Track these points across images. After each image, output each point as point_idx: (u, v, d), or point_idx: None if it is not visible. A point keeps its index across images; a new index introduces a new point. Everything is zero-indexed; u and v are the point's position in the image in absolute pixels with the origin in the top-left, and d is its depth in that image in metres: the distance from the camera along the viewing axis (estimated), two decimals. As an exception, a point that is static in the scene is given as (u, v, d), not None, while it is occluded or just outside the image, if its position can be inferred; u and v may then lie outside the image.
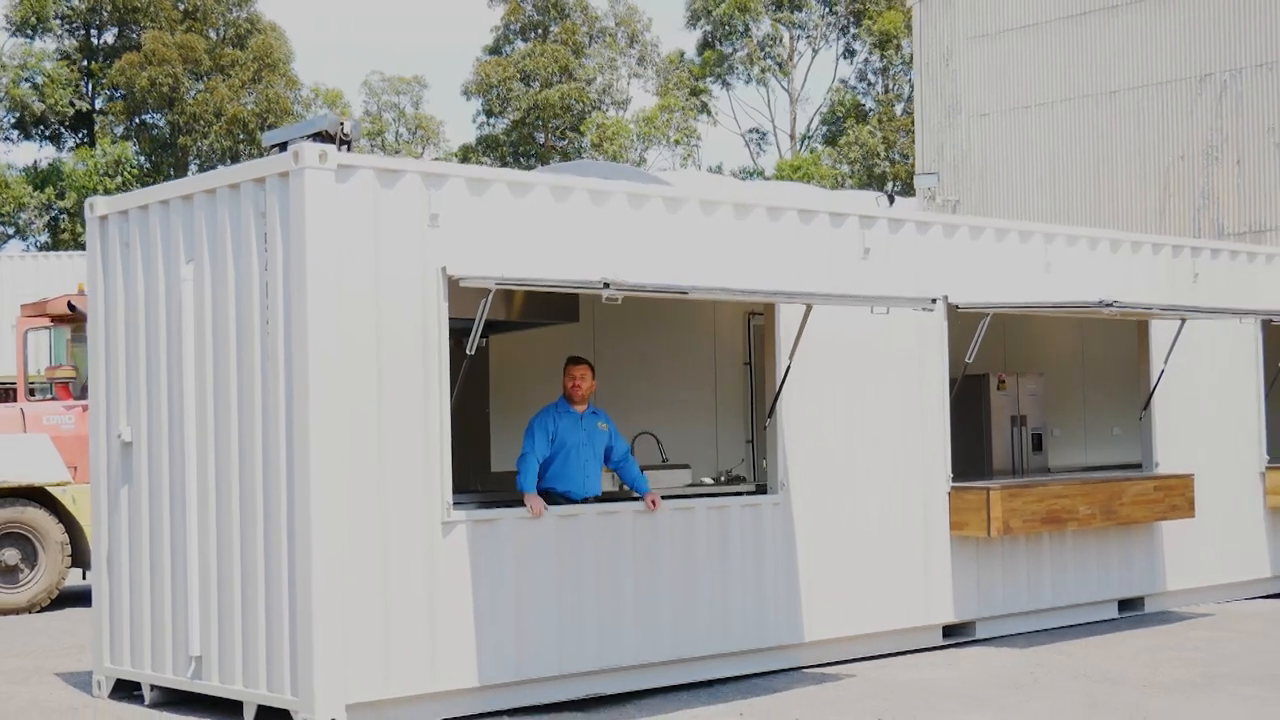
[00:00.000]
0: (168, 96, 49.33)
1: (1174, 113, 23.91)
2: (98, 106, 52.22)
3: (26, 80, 50.49)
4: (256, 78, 50.77)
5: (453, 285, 9.80)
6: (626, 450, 11.09)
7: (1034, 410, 15.64)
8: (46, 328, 17.68)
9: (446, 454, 9.77)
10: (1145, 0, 24.21)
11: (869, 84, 59.57)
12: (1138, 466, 14.56)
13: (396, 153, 59.84)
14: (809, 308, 11.19)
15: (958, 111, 26.43)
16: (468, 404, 11.16)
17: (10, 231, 50.32)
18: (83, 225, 48.32)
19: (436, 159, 58.61)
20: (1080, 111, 24.94)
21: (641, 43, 60.61)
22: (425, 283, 9.75)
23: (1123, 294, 13.61)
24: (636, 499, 10.91)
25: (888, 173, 54.48)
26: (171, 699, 10.43)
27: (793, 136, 61.54)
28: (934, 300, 11.72)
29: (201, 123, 49.73)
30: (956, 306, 12.70)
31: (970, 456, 14.46)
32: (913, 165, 28.57)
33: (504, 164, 57.40)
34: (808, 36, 60.33)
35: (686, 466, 12.61)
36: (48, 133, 52.02)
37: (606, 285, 9.50)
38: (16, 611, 15.73)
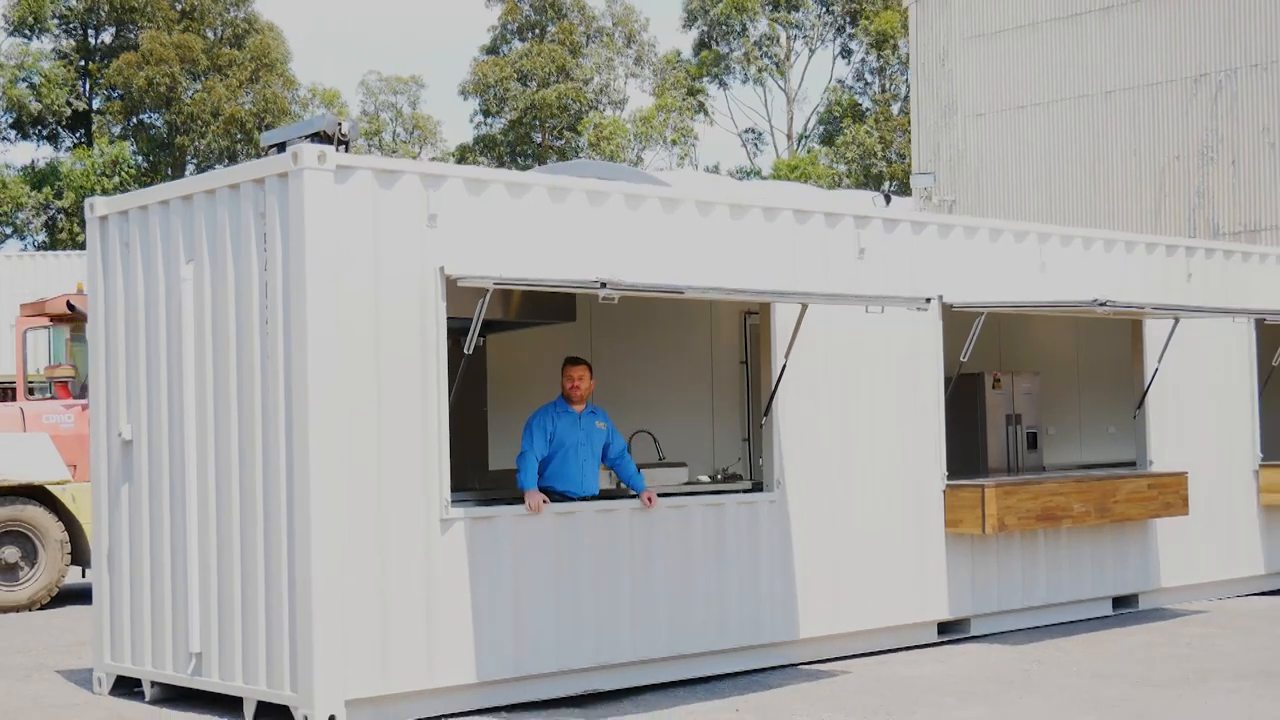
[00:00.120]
0: (165, 96, 49.40)
1: (1169, 113, 24.00)
2: (95, 106, 52.27)
3: (24, 80, 50.55)
4: (254, 77, 50.84)
5: (451, 285, 9.88)
6: (623, 448, 11.17)
7: (1029, 409, 15.73)
8: (46, 327, 17.76)
9: (445, 452, 9.85)
10: (1140, 1, 24.29)
11: (866, 84, 59.67)
12: (1132, 465, 14.64)
13: (394, 152, 59.91)
14: (804, 307, 11.27)
15: (954, 111, 26.51)
16: (465, 403, 11.23)
17: (8, 231, 50.39)
18: (80, 225, 48.41)
19: (434, 159, 58.78)
20: (1076, 111, 25.03)
21: (639, 43, 60.69)
22: (423, 282, 9.82)
23: (1117, 294, 13.70)
24: (633, 497, 10.99)
25: (885, 172, 54.57)
26: (172, 695, 10.51)
27: (789, 136, 61.61)
28: (928, 300, 11.81)
29: (199, 122, 49.80)
30: (951, 306, 12.78)
31: (965, 455, 14.54)
32: (909, 165, 28.66)
33: (501, 164, 57.48)
34: (804, 36, 60.42)
35: (683, 465, 12.68)
36: (45, 132, 52.08)
37: (603, 285, 9.59)
38: (17, 609, 15.81)
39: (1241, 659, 11.79)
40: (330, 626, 9.30)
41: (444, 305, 9.86)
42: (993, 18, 26.03)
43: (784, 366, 11.48)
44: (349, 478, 9.45)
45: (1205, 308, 14.09)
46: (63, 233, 49.57)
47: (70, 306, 16.79)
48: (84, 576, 17.40)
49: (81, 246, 45.49)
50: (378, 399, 9.61)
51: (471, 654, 9.91)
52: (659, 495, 11.04)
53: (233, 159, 50.87)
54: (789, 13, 59.19)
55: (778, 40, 60.21)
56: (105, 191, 47.65)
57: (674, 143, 57.55)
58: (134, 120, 51.22)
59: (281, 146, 10.72)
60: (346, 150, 10.29)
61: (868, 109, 58.38)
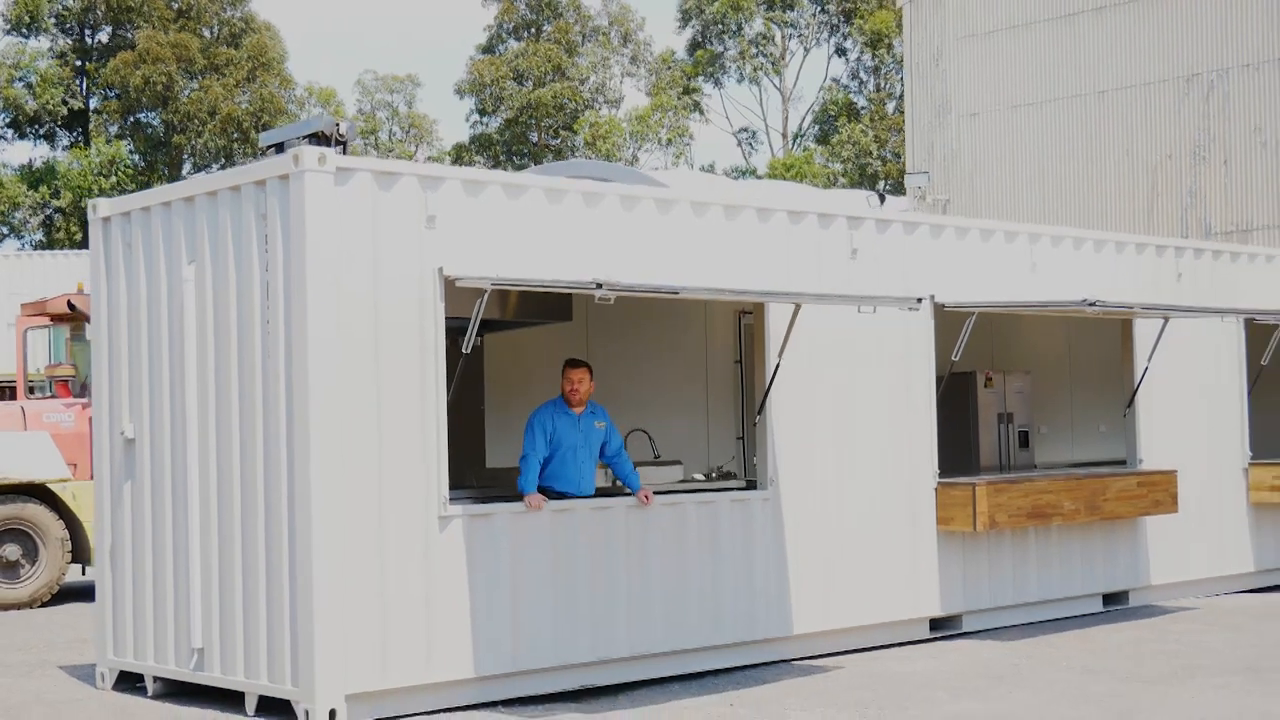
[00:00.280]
0: (162, 95, 49.48)
1: (1162, 113, 24.15)
2: (92, 106, 52.35)
3: (20, 80, 50.63)
4: (251, 77, 50.91)
5: (449, 285, 10.01)
6: (620, 445, 11.29)
7: (1021, 408, 15.87)
8: (46, 326, 17.90)
9: (443, 450, 9.99)
10: (1133, 1, 24.44)
11: (860, 83, 59.79)
12: (1123, 463, 14.78)
13: (390, 151, 59.98)
14: (798, 307, 11.40)
15: (948, 111, 26.65)
16: (463, 401, 11.36)
17: (5, 231, 50.48)
18: (78, 224, 48.54)
19: (430, 158, 58.83)
20: (1069, 111, 25.17)
21: (635, 42, 60.79)
22: (422, 283, 9.96)
23: (1108, 293, 13.84)
24: (630, 495, 11.13)
25: (879, 171, 54.69)
26: (174, 690, 10.64)
27: (785, 135, 61.73)
28: (919, 300, 11.95)
29: (196, 122, 49.89)
30: (943, 306, 12.92)
31: (958, 453, 14.67)
32: (904, 164, 28.80)
33: (497, 163, 57.56)
34: (799, 35, 60.54)
35: (678, 463, 12.79)
36: (42, 132, 52.17)
37: (599, 285, 9.72)
38: (18, 606, 15.93)
39: (1229, 655, 11.93)
40: (331, 622, 9.43)
41: (442, 305, 10.00)
42: (986, 18, 26.18)
43: (778, 366, 11.61)
44: (349, 475, 9.59)
45: (1195, 307, 14.24)
46: (60, 232, 49.65)
47: (71, 306, 16.92)
48: (84, 574, 17.53)
49: (79, 246, 45.65)
50: (377, 397, 9.74)
51: (470, 649, 10.05)
52: (654, 493, 11.17)
53: (229, 158, 50.96)
54: (784, 12, 59.30)
55: (773, 39, 60.33)
56: (102, 190, 47.75)
57: (669, 142, 57.66)
58: (131, 120, 51.30)
59: (280, 147, 10.86)
60: (344, 150, 10.43)
61: (863, 108, 58.51)
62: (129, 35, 50.88)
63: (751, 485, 12.11)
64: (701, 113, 60.91)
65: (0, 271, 30.96)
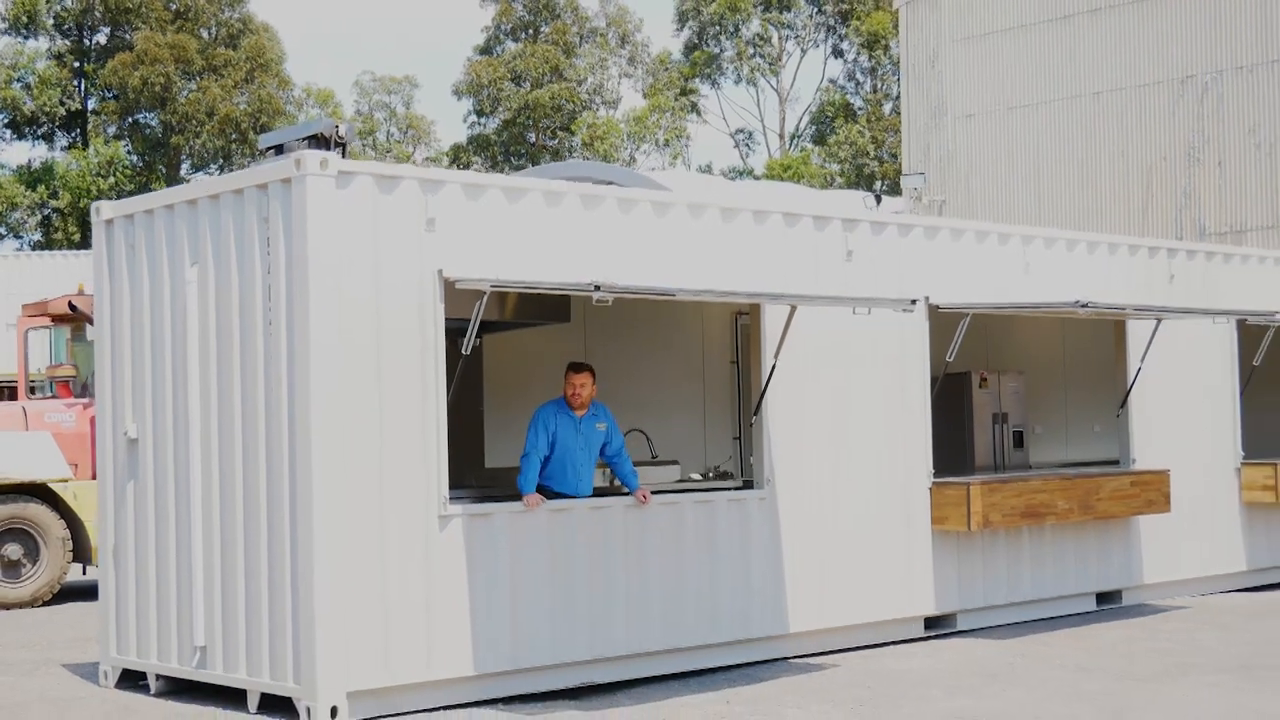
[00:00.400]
0: (160, 96, 49.56)
1: (1156, 114, 24.26)
2: (91, 106, 52.43)
3: (19, 80, 50.72)
4: (249, 78, 51.00)
5: (449, 287, 10.13)
6: (621, 445, 11.39)
7: (1015, 408, 15.99)
8: (47, 327, 18.00)
9: (443, 450, 10.10)
10: (1128, 3, 24.55)
11: (857, 84, 59.92)
12: (1118, 463, 14.89)
13: (388, 152, 60.07)
14: (794, 308, 11.52)
15: (943, 112, 26.75)
16: (463, 402, 11.47)
17: (3, 231, 50.58)
18: (76, 225, 48.62)
19: (427, 158, 58.95)
20: (1064, 113, 25.29)
21: (632, 43, 60.90)
22: (422, 285, 10.07)
23: (1101, 295, 13.96)
24: (627, 494, 11.24)
25: (876, 172, 54.82)
26: (177, 688, 10.74)
27: (782, 136, 61.85)
28: (914, 301, 12.06)
29: (194, 122, 49.97)
30: (937, 307, 13.03)
31: (953, 453, 14.79)
32: (901, 165, 28.93)
33: (494, 164, 57.65)
34: (796, 36, 60.67)
35: (675, 463, 12.90)
36: (40, 132, 52.25)
37: (597, 287, 9.85)
38: (19, 606, 16.04)
39: (1222, 653, 12.04)
40: (332, 620, 9.55)
41: (442, 307, 10.11)
42: (982, 19, 26.29)
43: (774, 366, 11.72)
44: (350, 475, 9.70)
45: (1187, 309, 14.35)
46: (58, 233, 49.73)
47: (72, 307, 17.01)
48: (84, 574, 17.63)
49: (78, 246, 45.74)
50: (378, 398, 9.85)
51: (469, 647, 10.16)
52: (652, 493, 11.28)
53: (227, 159, 51.05)
54: (781, 13, 59.42)
55: (770, 40, 60.45)
56: (100, 191, 47.85)
57: (666, 143, 57.78)
58: (129, 120, 51.38)
59: (279, 149, 10.98)
60: (343, 152, 10.55)
61: (859, 109, 58.63)
62: (127, 36, 50.98)
63: (748, 485, 12.21)
64: (698, 114, 61.03)
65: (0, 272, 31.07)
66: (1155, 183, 24.32)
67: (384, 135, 62.31)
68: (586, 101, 59.12)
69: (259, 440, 9.98)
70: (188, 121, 49.95)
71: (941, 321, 13.12)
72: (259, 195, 10.02)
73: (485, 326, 11.10)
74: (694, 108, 60.48)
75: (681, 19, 59.31)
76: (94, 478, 16.04)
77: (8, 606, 15.97)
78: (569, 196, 10.96)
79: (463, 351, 10.20)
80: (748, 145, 63.03)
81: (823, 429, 12.26)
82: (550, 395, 11.43)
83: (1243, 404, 15.89)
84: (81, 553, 16.38)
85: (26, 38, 51.28)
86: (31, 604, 16.12)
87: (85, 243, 47.29)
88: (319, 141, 10.78)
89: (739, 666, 11.59)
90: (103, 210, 11.30)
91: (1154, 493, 14.24)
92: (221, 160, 51.44)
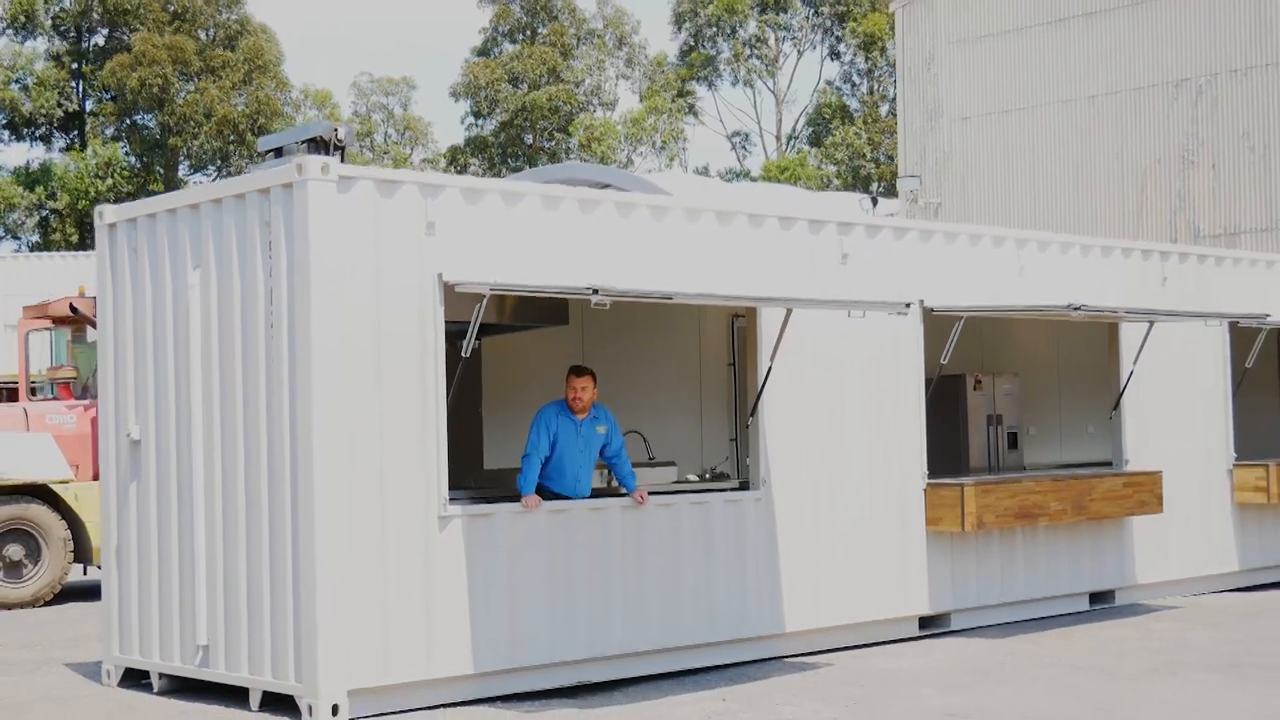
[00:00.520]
0: (158, 98, 49.66)
1: (1151, 117, 24.40)
2: (89, 108, 52.52)
3: (17, 82, 50.81)
4: (247, 79, 51.10)
5: (448, 290, 10.25)
6: (621, 447, 11.50)
7: (1010, 409, 16.10)
8: (48, 329, 18.10)
9: (443, 451, 10.22)
10: (1123, 7, 24.69)
11: (853, 85, 60.05)
12: (1111, 464, 15.00)
13: (385, 154, 60.15)
14: (789, 311, 11.64)
15: (939, 115, 26.89)
16: (462, 404, 11.58)
17: (1, 232, 50.66)
18: (74, 226, 48.71)
19: (425, 160, 59.02)
20: (1060, 115, 25.42)
21: (630, 45, 61.01)
22: (422, 288, 10.19)
23: (1094, 297, 14.09)
24: (625, 495, 11.36)
25: (873, 174, 54.95)
26: (179, 687, 10.85)
27: (778, 137, 61.97)
28: (908, 304, 12.18)
29: (192, 124, 50.07)
30: (932, 310, 13.15)
31: (948, 454, 14.90)
32: (897, 167, 29.07)
33: (492, 165, 57.75)
34: (793, 38, 60.79)
35: (672, 464, 13.03)
36: (38, 134, 52.34)
37: (595, 291, 9.97)
38: (21, 606, 16.14)
39: (1212, 652, 12.16)
40: (333, 619, 9.67)
41: (442, 310, 10.23)
42: (978, 22, 26.43)
43: (769, 369, 11.84)
44: (351, 476, 9.82)
45: (1179, 311, 14.47)
46: (56, 234, 49.83)
47: (73, 309, 17.10)
48: (85, 574, 17.74)
49: (76, 248, 45.84)
50: (379, 399, 9.97)
51: (469, 646, 10.28)
52: (649, 494, 11.40)
53: (225, 160, 51.15)
54: (777, 14, 59.55)
55: (766, 42, 60.58)
56: (98, 192, 47.95)
57: (663, 145, 57.89)
58: (127, 122, 51.48)
59: (279, 151, 11.09)
60: (342, 155, 10.66)
61: (856, 110, 58.76)
62: (125, 38, 51.06)
63: (744, 486, 12.32)
64: (695, 115, 61.14)
65: (-1, 273, 31.17)
66: (1150, 185, 24.47)
67: (381, 137, 62.41)
68: (584, 103, 59.24)
69: (261, 441, 10.10)
70: (186, 123, 50.05)
71: (936, 324, 13.24)
72: (261, 200, 10.14)
73: (484, 329, 11.18)
74: (691, 109, 60.60)
75: (678, 20, 59.43)
76: (95, 479, 16.21)
77: (9, 607, 16.07)
78: (567, 201, 11.09)
79: (462, 354, 10.31)
80: (744, 148, 63.18)
81: (818, 431, 12.38)
82: (548, 397, 11.55)
83: (1235, 406, 16.02)
84: (82, 553, 16.49)
85: (25, 40, 51.39)
86: (33, 604, 16.23)
87: (84, 244, 47.44)
88: (318, 144, 10.87)
89: (735, 665, 11.71)
90: (106, 214, 11.42)
91: (1146, 494, 14.37)
92: (219, 161, 51.55)
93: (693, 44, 59.91)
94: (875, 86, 59.02)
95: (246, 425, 10.22)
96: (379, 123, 62.67)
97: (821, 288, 12.31)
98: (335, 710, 9.63)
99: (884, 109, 57.01)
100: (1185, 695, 10.48)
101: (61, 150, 52.38)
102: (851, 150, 55.73)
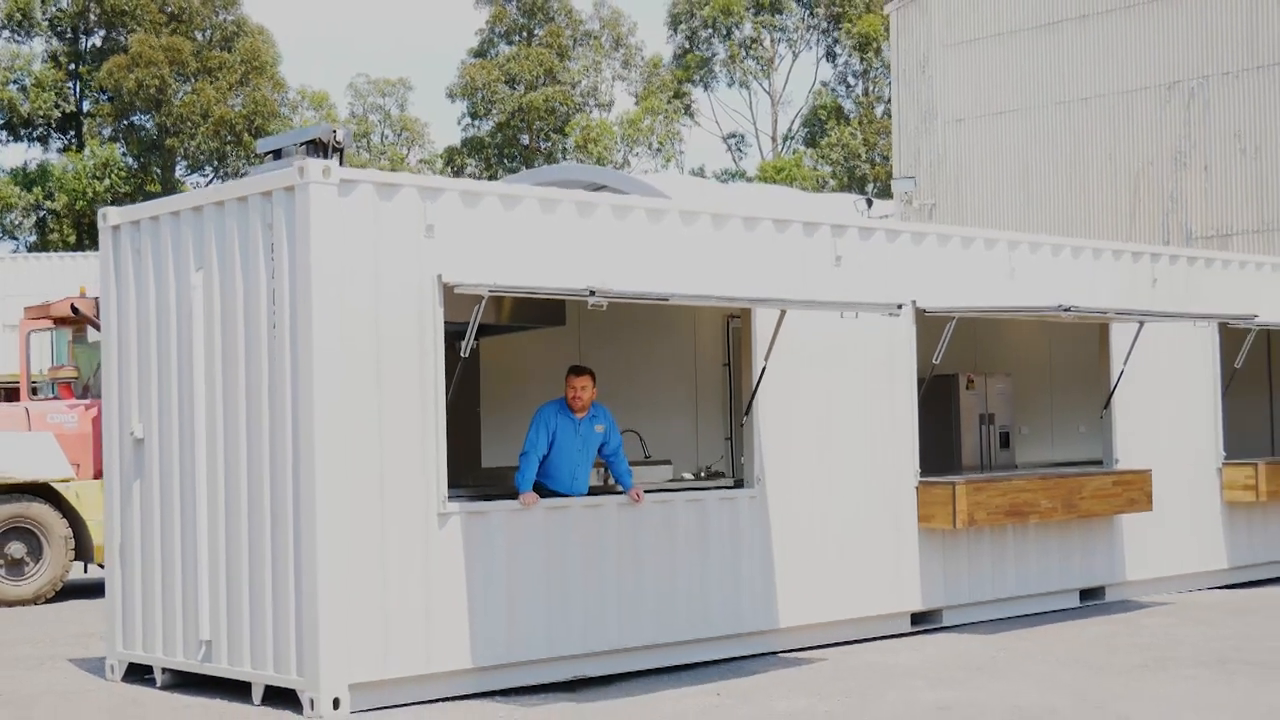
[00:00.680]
0: (155, 99, 49.76)
1: (1143, 119, 24.57)
2: (86, 109, 52.62)
3: (15, 83, 50.91)
4: (243, 80, 51.21)
5: (447, 291, 10.39)
6: (619, 445, 11.65)
7: (1002, 409, 16.26)
8: (49, 329, 18.25)
9: (442, 450, 10.37)
10: (1116, 10, 24.86)
11: (849, 86, 60.21)
12: (1102, 463, 15.16)
13: (382, 154, 60.26)
14: (783, 312, 11.79)
15: (934, 117, 27.05)
16: (460, 403, 11.72)
17: (-1, 233, 50.80)
18: (71, 226, 48.82)
19: (422, 160, 59.13)
20: (1053, 117, 25.60)
21: (626, 46, 61.15)
22: (422, 290, 10.35)
23: (1085, 298, 14.24)
24: (621, 493, 11.52)
25: (868, 174, 55.10)
26: (182, 681, 11.01)
27: (774, 138, 62.12)
28: (900, 305, 12.32)
29: (189, 124, 50.17)
30: (924, 311, 13.30)
31: (941, 453, 15.06)
32: (892, 167, 29.24)
33: (488, 166, 57.88)
34: (788, 39, 60.96)
35: (668, 462, 13.16)
36: (36, 134, 52.44)
37: (592, 292, 10.13)
38: (22, 603, 16.28)
39: (1201, 648, 12.31)
40: (334, 615, 9.82)
41: (441, 311, 10.38)
42: (972, 25, 26.59)
43: (764, 369, 11.99)
44: (352, 474, 9.97)
45: (1169, 312, 14.64)
46: (54, 234, 49.93)
47: (74, 309, 17.23)
48: (86, 571, 17.88)
49: (74, 248, 45.95)
50: (379, 399, 10.12)
51: (467, 641, 10.43)
52: (645, 491, 11.55)
53: (222, 161, 51.27)
54: (773, 16, 59.71)
55: (762, 43, 60.74)
56: (96, 193, 48.07)
57: (659, 146, 58.03)
58: (124, 122, 51.58)
59: (278, 154, 11.23)
60: (341, 158, 10.81)
61: (851, 111, 58.92)
62: (122, 39, 51.17)
63: (739, 484, 12.45)
64: (691, 116, 61.29)
65: (-5, 272, 31.28)
66: (1142, 187, 24.64)
67: (378, 137, 62.54)
68: (580, 104, 59.38)
69: (263, 439, 10.25)
70: (183, 124, 50.16)
71: (928, 325, 13.38)
72: (263, 202, 10.29)
73: (482, 329, 11.32)
74: (687, 110, 60.75)
75: (674, 22, 59.57)
76: (95, 477, 16.37)
77: (11, 604, 16.21)
78: (564, 204, 11.23)
79: (461, 355, 10.46)
80: (740, 149, 63.33)
81: (812, 430, 12.53)
82: (545, 397, 11.70)
83: (1224, 405, 16.18)
84: (83, 551, 16.63)
85: (22, 41, 51.50)
86: (34, 601, 16.37)
87: (81, 244, 47.57)
88: (317, 146, 11.00)
89: (729, 661, 11.85)
90: (110, 216, 11.56)
91: (1136, 492, 14.53)
92: (216, 162, 51.67)
93: (688, 45, 60.06)
94: (870, 87, 59.20)
95: (249, 424, 10.37)
96: (376, 124, 62.81)
97: (815, 289, 12.46)
98: (336, 704, 9.79)
99: (879, 110, 57.18)
100: (1174, 690, 10.62)
101: (59, 151, 52.49)
102: (847, 151, 55.92)
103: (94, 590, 16.45)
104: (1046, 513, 13.77)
